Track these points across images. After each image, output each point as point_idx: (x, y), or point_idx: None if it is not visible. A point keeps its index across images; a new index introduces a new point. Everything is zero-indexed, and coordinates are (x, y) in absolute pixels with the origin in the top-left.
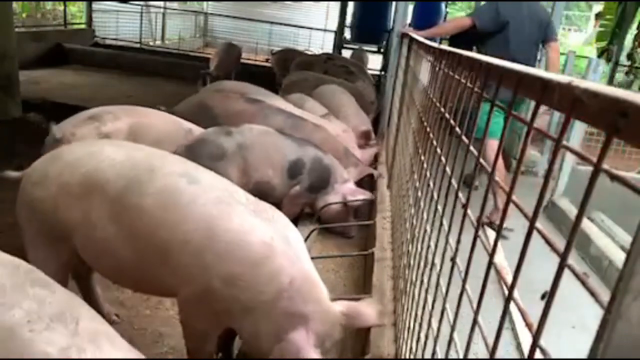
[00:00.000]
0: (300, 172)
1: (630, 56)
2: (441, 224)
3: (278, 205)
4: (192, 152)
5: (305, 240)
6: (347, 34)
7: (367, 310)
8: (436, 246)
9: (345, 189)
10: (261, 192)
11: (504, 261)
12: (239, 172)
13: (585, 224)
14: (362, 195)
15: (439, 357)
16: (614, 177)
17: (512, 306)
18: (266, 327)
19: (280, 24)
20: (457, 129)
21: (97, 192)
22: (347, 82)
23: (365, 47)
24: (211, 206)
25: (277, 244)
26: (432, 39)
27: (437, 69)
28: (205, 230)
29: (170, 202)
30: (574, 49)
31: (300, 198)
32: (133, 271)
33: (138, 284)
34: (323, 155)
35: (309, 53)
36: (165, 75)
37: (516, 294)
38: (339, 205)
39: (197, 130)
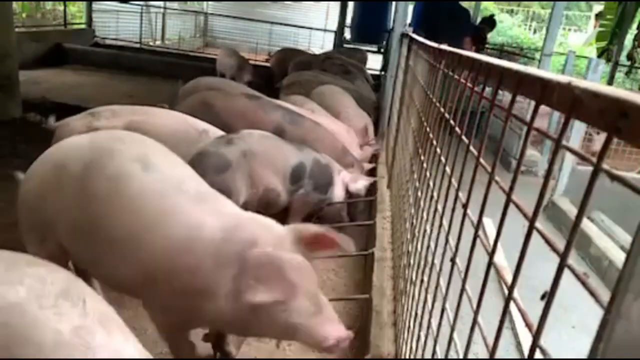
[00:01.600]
0: (302, 177)
1: (630, 56)
2: (441, 224)
3: (277, 214)
4: (195, 167)
5: None
6: (347, 34)
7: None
8: (436, 246)
9: (345, 178)
10: (269, 200)
11: (504, 261)
12: (247, 180)
13: (585, 224)
14: (364, 180)
15: (439, 357)
16: (614, 177)
17: (512, 306)
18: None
19: (280, 24)
20: (457, 129)
21: (64, 178)
22: (348, 84)
23: (365, 47)
24: (156, 197)
25: (209, 229)
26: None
27: (436, 69)
28: (143, 222)
29: (119, 190)
30: (574, 49)
31: (310, 198)
32: (97, 261)
33: (106, 277)
34: (319, 155)
35: (311, 53)
36: (165, 75)
37: (516, 293)
38: (341, 192)
39: (214, 131)
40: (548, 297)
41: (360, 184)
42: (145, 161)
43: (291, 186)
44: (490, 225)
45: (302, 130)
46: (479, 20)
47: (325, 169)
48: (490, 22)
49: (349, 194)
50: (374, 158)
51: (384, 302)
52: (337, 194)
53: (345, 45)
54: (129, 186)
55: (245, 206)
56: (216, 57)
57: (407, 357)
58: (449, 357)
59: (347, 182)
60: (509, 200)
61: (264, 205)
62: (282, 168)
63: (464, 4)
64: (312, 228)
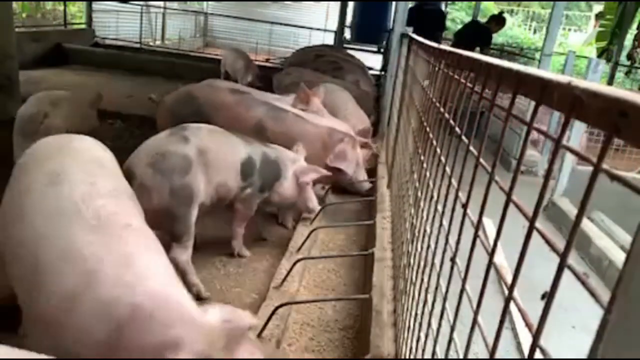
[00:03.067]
0: (252, 172)
1: (630, 56)
2: (441, 224)
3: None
4: (159, 169)
5: (305, 240)
6: (347, 34)
7: (241, 313)
8: (436, 246)
9: (296, 170)
10: (220, 197)
11: (504, 261)
12: (204, 178)
13: (585, 224)
14: (314, 172)
15: (439, 357)
16: (614, 177)
17: (512, 306)
18: None
19: (280, 24)
20: (457, 129)
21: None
22: (347, 84)
23: (365, 47)
24: (45, 220)
25: (106, 267)
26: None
27: (436, 69)
28: (30, 252)
29: (23, 206)
30: (574, 49)
31: (253, 199)
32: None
33: None
34: (269, 149)
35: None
36: (165, 75)
37: (516, 294)
38: (292, 185)
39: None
40: (548, 297)
41: (309, 176)
42: (52, 174)
43: (242, 182)
44: (490, 225)
45: (284, 126)
46: (477, 19)
47: (274, 165)
48: (497, 19)
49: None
50: (374, 158)
51: (384, 302)
52: (286, 187)
53: (345, 46)
54: (29, 203)
55: (202, 206)
56: (218, 57)
57: (407, 357)
58: (449, 357)
59: (296, 173)
60: (509, 200)
61: (215, 202)
62: (234, 162)
63: (463, 5)
64: (245, 321)
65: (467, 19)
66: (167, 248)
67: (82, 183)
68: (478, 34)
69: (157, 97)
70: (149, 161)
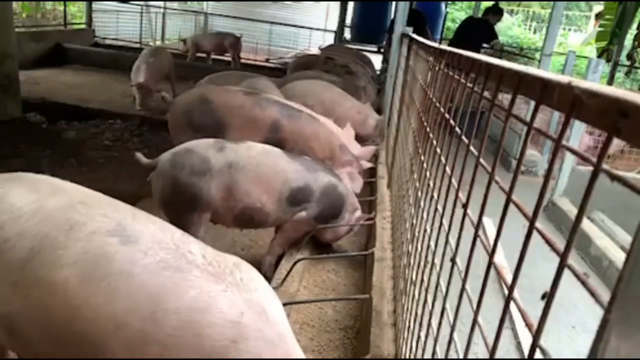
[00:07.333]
0: (307, 199)
1: (630, 56)
2: (441, 224)
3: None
4: (175, 161)
5: (304, 241)
6: (347, 34)
7: None
8: (436, 246)
9: (354, 220)
10: (251, 217)
11: (504, 261)
12: (223, 192)
13: (585, 224)
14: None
15: (439, 357)
16: (614, 177)
17: (512, 306)
18: None
19: (280, 24)
20: (457, 129)
21: None
22: (330, 76)
23: (365, 47)
24: (154, 275)
25: (249, 321)
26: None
27: (436, 69)
28: (145, 311)
29: (97, 275)
30: (574, 49)
31: (305, 225)
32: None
33: None
34: (337, 182)
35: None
36: None
37: (516, 293)
38: (346, 229)
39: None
40: (548, 297)
41: (354, 217)
42: (121, 232)
43: (289, 208)
44: (490, 225)
45: (299, 124)
46: (471, 16)
47: (339, 199)
48: (494, 10)
49: None
50: (374, 158)
51: (384, 302)
52: (343, 229)
53: (345, 46)
54: (108, 268)
55: (214, 216)
56: (219, 58)
57: (407, 357)
58: (449, 357)
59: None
60: (509, 200)
61: (246, 221)
62: (278, 188)
63: (463, 5)
64: None
65: None
66: None
67: (157, 231)
68: (478, 28)
69: (170, 96)
70: (174, 151)
